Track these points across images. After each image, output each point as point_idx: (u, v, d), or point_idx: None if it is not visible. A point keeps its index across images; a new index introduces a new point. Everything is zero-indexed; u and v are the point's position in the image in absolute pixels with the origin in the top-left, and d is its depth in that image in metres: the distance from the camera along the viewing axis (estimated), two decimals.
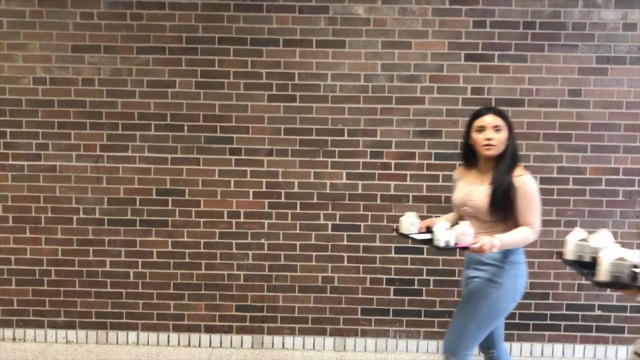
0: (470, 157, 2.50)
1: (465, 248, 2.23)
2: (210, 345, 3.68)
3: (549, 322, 3.61)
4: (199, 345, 3.68)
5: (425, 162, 3.52)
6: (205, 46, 3.51)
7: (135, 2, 3.49)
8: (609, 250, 1.59)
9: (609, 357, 3.61)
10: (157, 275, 3.64)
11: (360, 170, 3.55)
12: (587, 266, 1.68)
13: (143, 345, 3.67)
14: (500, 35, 3.47)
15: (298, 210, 3.58)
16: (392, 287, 3.61)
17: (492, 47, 3.48)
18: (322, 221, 3.58)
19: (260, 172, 3.57)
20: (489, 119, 2.37)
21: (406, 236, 2.48)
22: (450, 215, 2.68)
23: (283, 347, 3.67)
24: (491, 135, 2.35)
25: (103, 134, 3.55)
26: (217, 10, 3.49)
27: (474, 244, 2.21)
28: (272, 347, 3.67)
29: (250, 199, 3.59)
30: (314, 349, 3.66)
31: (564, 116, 3.51)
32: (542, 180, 3.52)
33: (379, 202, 3.55)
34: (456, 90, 3.50)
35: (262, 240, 3.61)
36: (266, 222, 3.59)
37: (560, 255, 1.86)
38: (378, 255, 3.59)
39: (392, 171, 3.54)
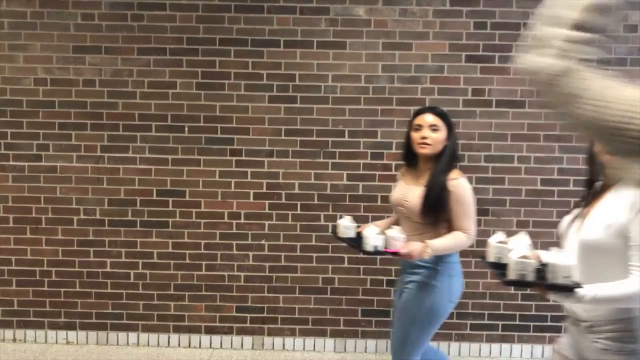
0: (411, 156, 2.48)
1: (395, 253, 2.22)
2: (210, 347, 3.68)
3: (549, 323, 3.61)
4: (200, 347, 3.68)
5: None
6: (206, 47, 3.51)
7: (136, 3, 3.49)
8: (516, 250, 1.63)
9: None
10: (157, 276, 3.64)
11: (361, 172, 3.55)
12: (504, 267, 1.72)
13: (143, 346, 3.67)
14: (501, 36, 3.48)
15: (298, 211, 3.58)
16: (392, 289, 3.60)
17: (492, 49, 3.48)
18: (322, 222, 3.58)
19: (260, 173, 3.57)
20: (428, 118, 2.37)
21: (341, 239, 2.46)
22: (392, 218, 2.67)
23: (283, 348, 3.67)
24: (427, 134, 2.35)
25: (104, 135, 3.55)
26: (218, 11, 3.49)
27: (403, 249, 2.21)
28: (273, 348, 3.67)
29: (251, 200, 3.59)
30: (314, 350, 3.66)
31: None
32: (543, 182, 3.53)
33: (379, 203, 3.55)
34: (457, 91, 3.50)
35: (263, 241, 3.61)
36: (267, 223, 3.59)
37: (482, 257, 1.89)
38: (378, 257, 3.59)
39: (393, 172, 3.54)
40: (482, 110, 3.50)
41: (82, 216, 3.60)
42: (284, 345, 3.67)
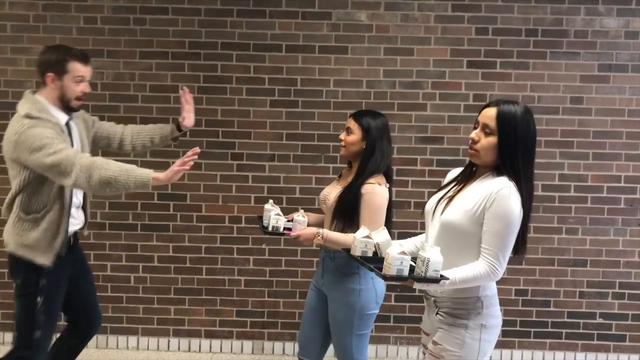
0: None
1: (290, 234, 2.33)
2: (210, 351, 3.67)
3: (550, 329, 3.60)
4: (199, 351, 3.67)
5: (427, 168, 3.52)
6: (208, 51, 3.52)
7: (138, 7, 3.50)
8: (394, 247, 1.76)
9: None
10: (157, 280, 3.63)
11: None
12: (370, 261, 1.87)
13: (143, 350, 3.66)
14: (502, 42, 3.48)
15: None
16: (393, 294, 3.60)
17: (494, 54, 3.49)
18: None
19: (261, 178, 3.57)
20: (349, 121, 2.43)
21: (260, 219, 2.54)
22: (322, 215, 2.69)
23: (283, 353, 3.66)
24: (342, 136, 2.42)
25: None
26: (220, 15, 3.50)
27: (295, 232, 2.30)
28: (273, 352, 3.67)
29: (252, 204, 3.59)
30: None
31: (566, 123, 3.51)
32: (544, 188, 3.52)
33: None
34: (458, 96, 3.51)
35: (263, 246, 3.61)
36: None
37: (348, 251, 2.01)
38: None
39: (394, 177, 3.53)
40: None
41: None
42: (284, 349, 3.66)
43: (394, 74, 3.51)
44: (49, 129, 2.29)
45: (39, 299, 2.37)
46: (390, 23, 3.49)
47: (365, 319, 2.40)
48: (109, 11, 3.50)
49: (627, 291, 3.57)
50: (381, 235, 1.96)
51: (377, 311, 2.44)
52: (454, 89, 3.51)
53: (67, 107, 2.41)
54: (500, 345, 3.59)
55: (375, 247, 1.93)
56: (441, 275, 1.69)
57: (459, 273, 1.75)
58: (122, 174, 2.23)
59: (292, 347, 3.65)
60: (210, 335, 3.67)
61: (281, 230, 2.38)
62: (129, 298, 3.63)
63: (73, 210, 2.48)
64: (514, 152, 1.79)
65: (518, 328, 3.60)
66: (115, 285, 3.63)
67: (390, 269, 1.72)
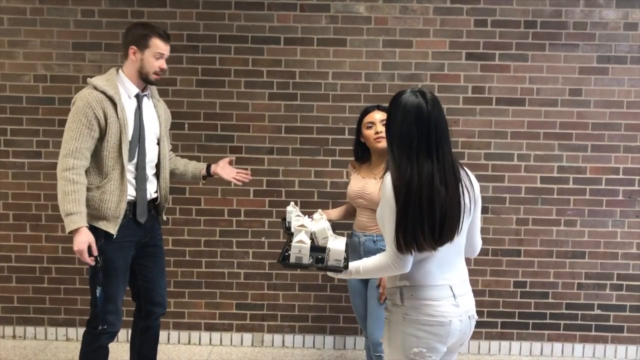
0: (362, 153, 2.67)
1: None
2: (210, 343, 3.69)
3: (548, 321, 3.62)
4: (199, 343, 3.69)
5: None
6: (206, 44, 3.50)
7: (136, 0, 3.48)
8: (296, 235, 1.84)
9: (608, 356, 3.62)
10: None
11: None
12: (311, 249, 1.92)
13: None
14: (501, 34, 3.47)
15: (298, 209, 3.58)
16: None
17: (493, 46, 3.48)
18: None
19: (260, 171, 3.57)
20: (377, 115, 2.56)
21: (282, 219, 2.73)
22: (343, 207, 2.86)
23: (283, 345, 3.68)
24: (380, 129, 2.51)
25: None
26: (218, 8, 3.49)
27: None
28: (272, 345, 3.68)
29: (251, 197, 3.59)
30: (314, 347, 3.67)
31: (565, 115, 3.51)
32: (542, 180, 3.53)
33: None
34: (457, 89, 3.50)
35: (263, 239, 3.61)
36: (267, 220, 3.59)
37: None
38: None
39: None
40: (482, 108, 3.50)
41: None
42: (283, 342, 3.68)
43: (392, 66, 3.50)
44: (94, 107, 2.40)
45: (99, 258, 2.45)
46: (389, 15, 3.48)
47: None
48: (106, 4, 3.49)
49: (625, 282, 3.59)
50: (319, 224, 2.02)
51: None
52: (453, 81, 3.50)
53: (145, 80, 2.54)
54: (498, 337, 3.62)
55: (312, 235, 1.98)
56: (344, 265, 1.79)
57: (364, 263, 1.83)
58: (61, 201, 2.35)
59: (291, 340, 3.67)
60: (210, 328, 3.68)
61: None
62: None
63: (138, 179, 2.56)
64: (391, 135, 1.83)
65: (516, 320, 3.61)
66: None
67: (291, 257, 1.80)
